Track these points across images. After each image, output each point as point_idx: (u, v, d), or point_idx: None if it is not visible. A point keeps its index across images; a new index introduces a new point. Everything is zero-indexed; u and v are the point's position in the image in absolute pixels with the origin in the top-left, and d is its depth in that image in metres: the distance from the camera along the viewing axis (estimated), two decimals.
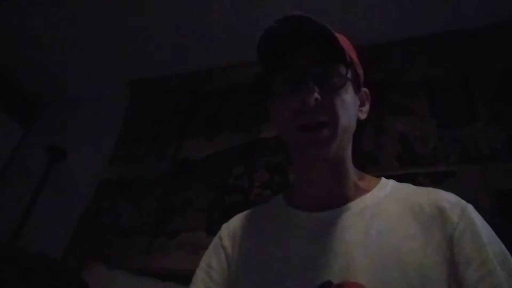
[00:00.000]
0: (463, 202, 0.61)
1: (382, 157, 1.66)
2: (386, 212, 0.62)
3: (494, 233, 0.58)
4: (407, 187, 0.68)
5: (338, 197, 0.66)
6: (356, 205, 0.65)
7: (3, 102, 2.54)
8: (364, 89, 0.74)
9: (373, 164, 1.64)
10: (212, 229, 1.72)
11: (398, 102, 1.77)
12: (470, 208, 0.60)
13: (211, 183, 1.88)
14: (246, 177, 1.83)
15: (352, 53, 0.68)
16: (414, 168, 1.57)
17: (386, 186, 0.68)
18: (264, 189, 1.77)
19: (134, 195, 2.00)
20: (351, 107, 0.66)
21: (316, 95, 0.59)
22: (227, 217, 0.82)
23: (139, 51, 2.27)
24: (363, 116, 0.72)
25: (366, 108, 0.74)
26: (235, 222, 0.77)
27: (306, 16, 0.60)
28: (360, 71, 0.71)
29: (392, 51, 1.92)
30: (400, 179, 0.73)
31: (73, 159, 2.18)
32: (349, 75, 0.64)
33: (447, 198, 0.61)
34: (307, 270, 0.59)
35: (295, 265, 0.61)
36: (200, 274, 0.71)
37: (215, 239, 0.76)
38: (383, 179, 0.70)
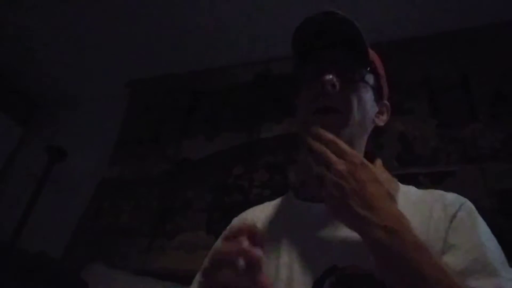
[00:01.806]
0: (463, 197, 0.66)
1: (382, 157, 1.63)
2: None
3: (489, 229, 0.61)
4: (411, 187, 0.72)
5: None
6: None
7: (3, 102, 2.54)
8: (387, 102, 0.78)
9: (373, 164, 1.64)
10: (212, 229, 1.72)
11: (398, 102, 1.77)
12: (469, 202, 0.65)
13: (211, 183, 1.88)
14: (246, 177, 1.83)
15: (378, 67, 0.74)
16: (414, 168, 1.57)
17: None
18: (264, 189, 1.77)
19: (134, 195, 2.00)
20: (367, 106, 0.70)
21: (334, 80, 0.64)
22: (227, 217, 0.82)
23: (139, 51, 2.27)
24: (380, 123, 0.76)
25: (384, 117, 0.78)
26: (245, 214, 0.80)
27: (347, 17, 0.66)
28: (385, 85, 0.76)
29: (392, 51, 1.92)
30: (400, 179, 0.74)
31: (73, 159, 2.18)
32: (368, 77, 0.70)
33: (448, 193, 0.66)
34: (312, 256, 0.61)
35: (301, 252, 0.63)
36: (205, 262, 0.73)
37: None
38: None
